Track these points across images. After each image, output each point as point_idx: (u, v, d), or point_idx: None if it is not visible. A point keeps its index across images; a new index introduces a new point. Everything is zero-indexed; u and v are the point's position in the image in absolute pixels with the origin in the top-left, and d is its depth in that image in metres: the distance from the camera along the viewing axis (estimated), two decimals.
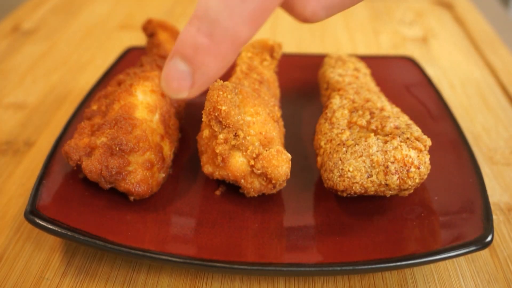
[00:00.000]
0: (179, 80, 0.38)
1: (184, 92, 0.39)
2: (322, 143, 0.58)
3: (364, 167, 0.53)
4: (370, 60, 0.83)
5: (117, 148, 0.55)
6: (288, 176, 0.55)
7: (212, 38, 0.35)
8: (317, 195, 0.60)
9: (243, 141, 0.54)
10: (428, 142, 0.53)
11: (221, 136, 0.54)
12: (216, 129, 0.54)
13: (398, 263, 0.48)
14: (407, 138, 0.53)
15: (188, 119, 0.74)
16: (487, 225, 0.51)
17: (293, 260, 0.51)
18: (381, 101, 0.62)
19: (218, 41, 0.35)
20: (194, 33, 0.36)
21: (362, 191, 0.54)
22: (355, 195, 0.56)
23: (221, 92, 0.53)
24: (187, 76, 0.38)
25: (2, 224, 0.60)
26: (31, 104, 0.83)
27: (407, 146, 0.52)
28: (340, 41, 1.09)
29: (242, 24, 0.35)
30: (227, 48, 0.36)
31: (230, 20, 0.34)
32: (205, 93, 0.54)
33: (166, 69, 0.39)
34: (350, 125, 0.58)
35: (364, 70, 0.73)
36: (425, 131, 0.56)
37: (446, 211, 0.55)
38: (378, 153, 0.53)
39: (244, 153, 0.54)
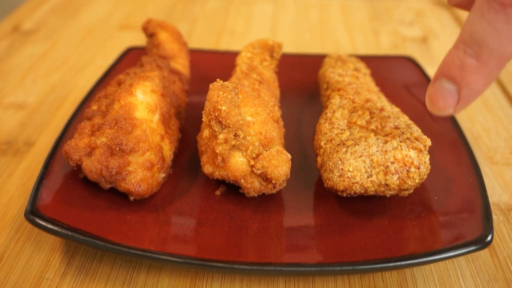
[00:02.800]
0: (446, 98, 0.43)
1: (450, 108, 0.44)
2: (322, 143, 0.58)
3: (364, 167, 0.53)
4: (370, 60, 0.83)
5: (117, 148, 0.55)
6: (288, 176, 0.55)
7: (480, 58, 0.40)
8: (317, 195, 0.60)
9: (243, 141, 0.54)
10: (428, 142, 0.53)
11: (221, 136, 0.54)
12: (216, 129, 0.54)
13: (398, 263, 0.48)
14: (407, 138, 0.53)
15: (188, 119, 0.74)
16: (487, 225, 0.51)
17: (293, 260, 0.51)
18: (381, 101, 0.62)
19: (486, 61, 0.40)
20: (461, 55, 0.41)
21: (362, 191, 0.54)
22: (355, 195, 0.56)
23: (221, 92, 0.53)
24: (453, 95, 0.43)
25: (2, 224, 0.60)
26: (31, 104, 0.83)
27: (407, 146, 0.52)
28: (340, 41, 1.09)
29: (509, 43, 0.39)
30: (494, 66, 0.40)
31: (497, 41, 0.39)
32: (205, 93, 0.55)
33: (431, 90, 0.44)
34: (350, 125, 0.58)
35: (364, 70, 0.73)
36: (425, 131, 0.56)
37: (446, 211, 0.56)
38: (378, 153, 0.53)
39: (244, 153, 0.54)
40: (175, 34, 0.78)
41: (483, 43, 0.40)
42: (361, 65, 0.75)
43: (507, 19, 0.38)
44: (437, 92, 0.44)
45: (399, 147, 0.52)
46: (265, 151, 0.54)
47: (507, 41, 0.39)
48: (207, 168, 0.57)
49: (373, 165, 0.52)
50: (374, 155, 0.52)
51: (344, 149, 0.54)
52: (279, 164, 0.54)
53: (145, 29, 0.78)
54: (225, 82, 0.55)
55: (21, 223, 0.60)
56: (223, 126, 0.53)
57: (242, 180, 0.55)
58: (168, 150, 0.60)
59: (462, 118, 0.80)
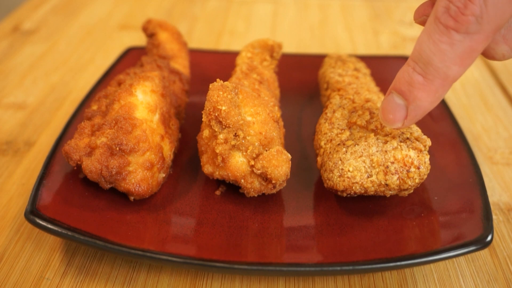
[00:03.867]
0: (395, 112, 0.46)
1: (398, 122, 0.46)
2: (322, 143, 0.58)
3: (364, 167, 0.53)
4: (370, 60, 0.83)
5: (117, 148, 0.55)
6: (288, 176, 0.55)
7: (426, 76, 0.42)
8: (317, 195, 0.60)
9: (243, 141, 0.54)
10: (428, 142, 0.53)
11: (221, 136, 0.54)
12: (216, 129, 0.54)
13: (398, 263, 0.48)
14: (407, 138, 0.53)
15: (188, 119, 0.74)
16: (487, 225, 0.51)
17: (293, 260, 0.51)
18: (381, 101, 0.62)
19: (431, 79, 0.42)
20: (410, 72, 0.43)
21: (362, 191, 0.54)
22: (355, 195, 0.56)
23: (221, 92, 0.53)
24: (402, 109, 0.45)
25: (2, 224, 0.60)
26: (31, 104, 0.83)
27: (407, 146, 0.52)
28: (340, 41, 1.09)
29: (452, 64, 0.41)
30: (439, 85, 0.42)
31: (441, 62, 0.41)
32: (205, 93, 0.55)
33: (384, 103, 0.47)
34: (350, 125, 0.58)
35: (364, 70, 0.73)
36: (425, 131, 0.56)
37: (446, 211, 0.56)
38: (378, 153, 0.53)
39: (244, 153, 0.54)
40: (175, 34, 0.78)
41: (429, 62, 0.41)
42: (361, 65, 0.75)
43: (450, 41, 0.40)
44: (388, 105, 0.46)
45: (399, 147, 0.52)
46: (265, 151, 0.55)
47: (451, 62, 0.40)
48: (207, 168, 0.57)
49: (373, 165, 0.52)
50: (374, 155, 0.53)
51: (344, 149, 0.54)
52: (279, 164, 0.54)
53: (145, 29, 0.78)
54: (225, 82, 0.55)
55: (21, 223, 0.60)
56: (223, 126, 0.53)
57: (242, 180, 0.55)
58: (168, 150, 0.60)
59: (462, 118, 0.80)
